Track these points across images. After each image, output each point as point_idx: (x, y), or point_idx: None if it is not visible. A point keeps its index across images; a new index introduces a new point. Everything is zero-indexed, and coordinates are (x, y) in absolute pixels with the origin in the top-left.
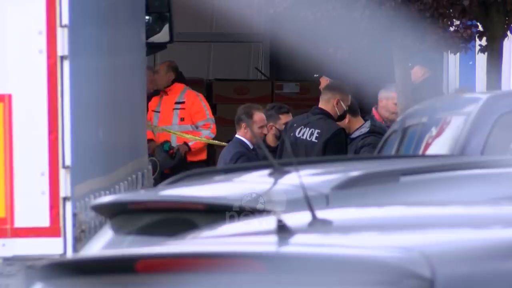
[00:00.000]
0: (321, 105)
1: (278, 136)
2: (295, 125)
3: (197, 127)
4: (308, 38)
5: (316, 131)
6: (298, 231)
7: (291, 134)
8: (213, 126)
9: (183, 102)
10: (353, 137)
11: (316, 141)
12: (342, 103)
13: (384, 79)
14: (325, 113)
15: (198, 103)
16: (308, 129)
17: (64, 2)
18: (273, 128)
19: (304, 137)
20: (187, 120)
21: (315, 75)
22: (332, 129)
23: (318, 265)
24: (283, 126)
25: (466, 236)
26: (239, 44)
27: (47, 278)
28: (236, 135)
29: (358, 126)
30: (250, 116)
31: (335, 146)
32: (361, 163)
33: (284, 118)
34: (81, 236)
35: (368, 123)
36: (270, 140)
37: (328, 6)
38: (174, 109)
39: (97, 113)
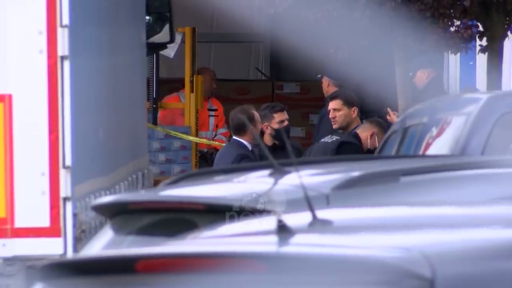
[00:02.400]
0: (357, 130)
1: (274, 135)
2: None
3: (217, 134)
4: (309, 38)
5: (336, 137)
6: (298, 231)
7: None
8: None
9: (216, 110)
10: None
11: (330, 141)
12: (376, 138)
13: (384, 79)
14: (357, 137)
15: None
16: (331, 135)
17: (65, 2)
18: (268, 127)
19: (324, 141)
20: (219, 127)
21: (318, 76)
22: (350, 139)
23: (318, 265)
24: (278, 125)
25: (466, 236)
26: (239, 44)
27: (47, 278)
28: (234, 137)
29: (355, 126)
30: (251, 118)
31: (347, 151)
32: (361, 163)
33: (278, 117)
34: (82, 236)
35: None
36: (267, 139)
37: (329, 6)
38: (209, 115)
39: (97, 113)
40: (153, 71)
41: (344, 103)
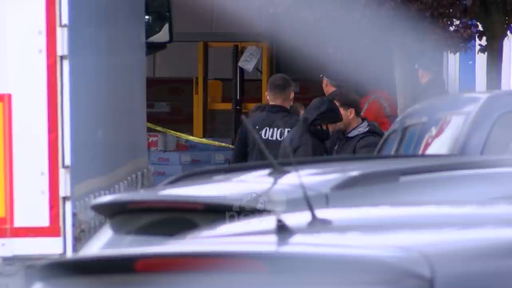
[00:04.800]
0: (278, 101)
1: None
2: (257, 127)
3: None
4: (308, 38)
5: (286, 130)
6: (298, 231)
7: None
8: None
9: None
10: (350, 136)
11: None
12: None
13: (384, 79)
14: (284, 110)
15: None
16: (275, 129)
17: (64, 2)
18: None
19: (274, 138)
20: None
21: (320, 76)
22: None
23: (318, 265)
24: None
25: (466, 236)
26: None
27: (47, 278)
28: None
29: (356, 125)
30: (297, 113)
31: None
32: (361, 163)
33: None
34: (81, 236)
35: (365, 123)
36: None
37: (328, 6)
38: None
39: (97, 112)
40: (236, 72)
41: (341, 105)
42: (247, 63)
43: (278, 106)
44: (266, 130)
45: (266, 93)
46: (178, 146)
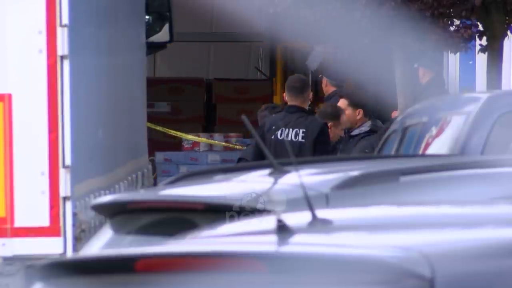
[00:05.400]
0: (296, 102)
1: None
2: (273, 127)
3: None
4: (308, 38)
5: (301, 130)
6: (298, 231)
7: (272, 137)
8: None
9: None
10: (353, 134)
11: (303, 140)
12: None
13: (384, 79)
14: (302, 110)
15: None
16: (291, 129)
17: (64, 2)
18: None
19: (289, 138)
20: None
21: (319, 76)
22: (317, 126)
23: (318, 265)
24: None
25: (466, 236)
26: (238, 44)
27: (47, 277)
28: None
29: (360, 124)
30: (337, 117)
31: (324, 143)
32: (361, 163)
33: None
34: (81, 236)
35: (369, 122)
36: None
37: (328, 6)
38: None
39: (97, 112)
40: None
41: (350, 104)
42: (313, 62)
43: (295, 107)
44: (282, 131)
45: (284, 94)
46: (225, 146)
